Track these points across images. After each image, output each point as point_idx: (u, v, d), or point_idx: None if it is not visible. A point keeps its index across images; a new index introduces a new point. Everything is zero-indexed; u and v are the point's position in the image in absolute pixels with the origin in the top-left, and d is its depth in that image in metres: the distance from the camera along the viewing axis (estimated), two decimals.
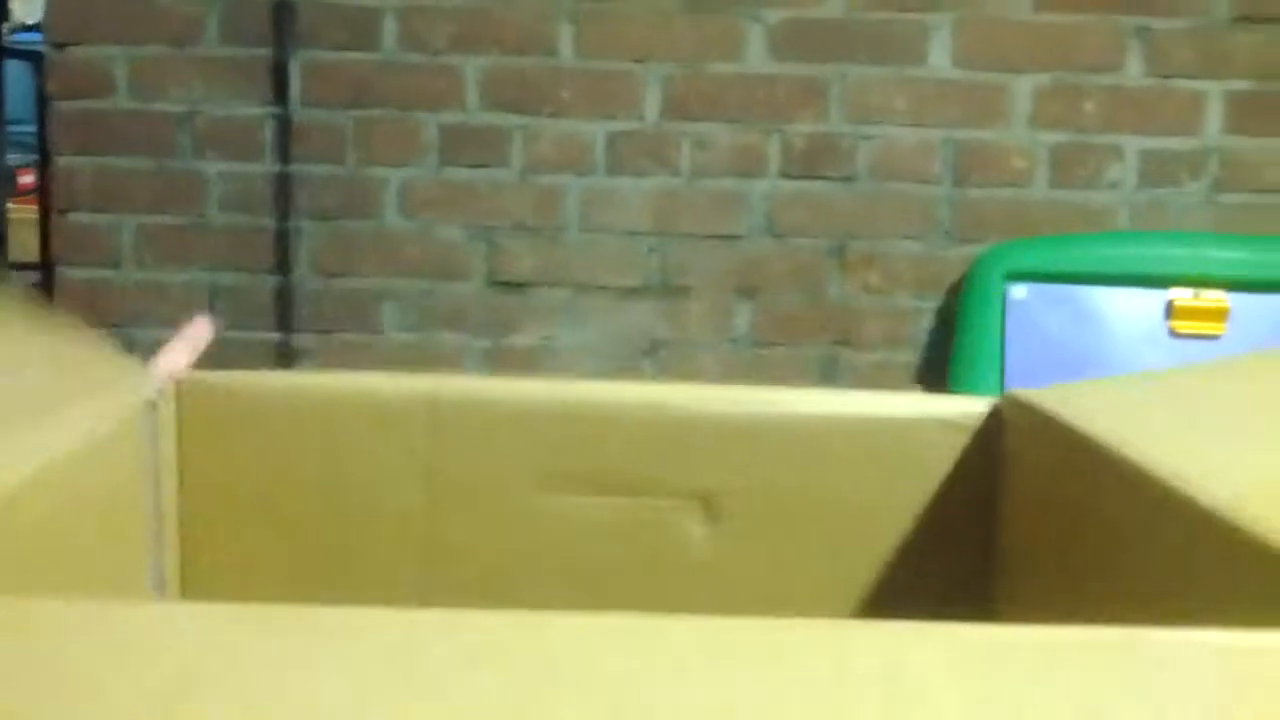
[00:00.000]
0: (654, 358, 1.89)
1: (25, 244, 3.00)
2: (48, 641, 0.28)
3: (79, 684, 0.27)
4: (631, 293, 1.90)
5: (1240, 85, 1.83)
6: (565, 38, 1.86)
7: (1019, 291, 1.68)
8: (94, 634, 0.29)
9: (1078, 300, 1.67)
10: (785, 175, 1.86)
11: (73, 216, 1.92)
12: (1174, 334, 1.65)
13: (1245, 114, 1.84)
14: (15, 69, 2.60)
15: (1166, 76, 1.83)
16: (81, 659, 0.27)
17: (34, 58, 2.48)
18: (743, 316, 1.89)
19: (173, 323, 1.94)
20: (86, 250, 1.92)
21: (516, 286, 1.90)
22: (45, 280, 2.52)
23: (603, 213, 1.88)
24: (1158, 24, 1.82)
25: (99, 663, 0.27)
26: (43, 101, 2.35)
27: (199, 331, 0.63)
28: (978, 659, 0.28)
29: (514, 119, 1.87)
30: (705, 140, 1.86)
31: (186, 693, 0.26)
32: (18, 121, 3.05)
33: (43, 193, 2.53)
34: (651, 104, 1.86)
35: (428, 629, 0.29)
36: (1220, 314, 1.64)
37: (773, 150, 1.86)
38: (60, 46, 1.90)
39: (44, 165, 2.49)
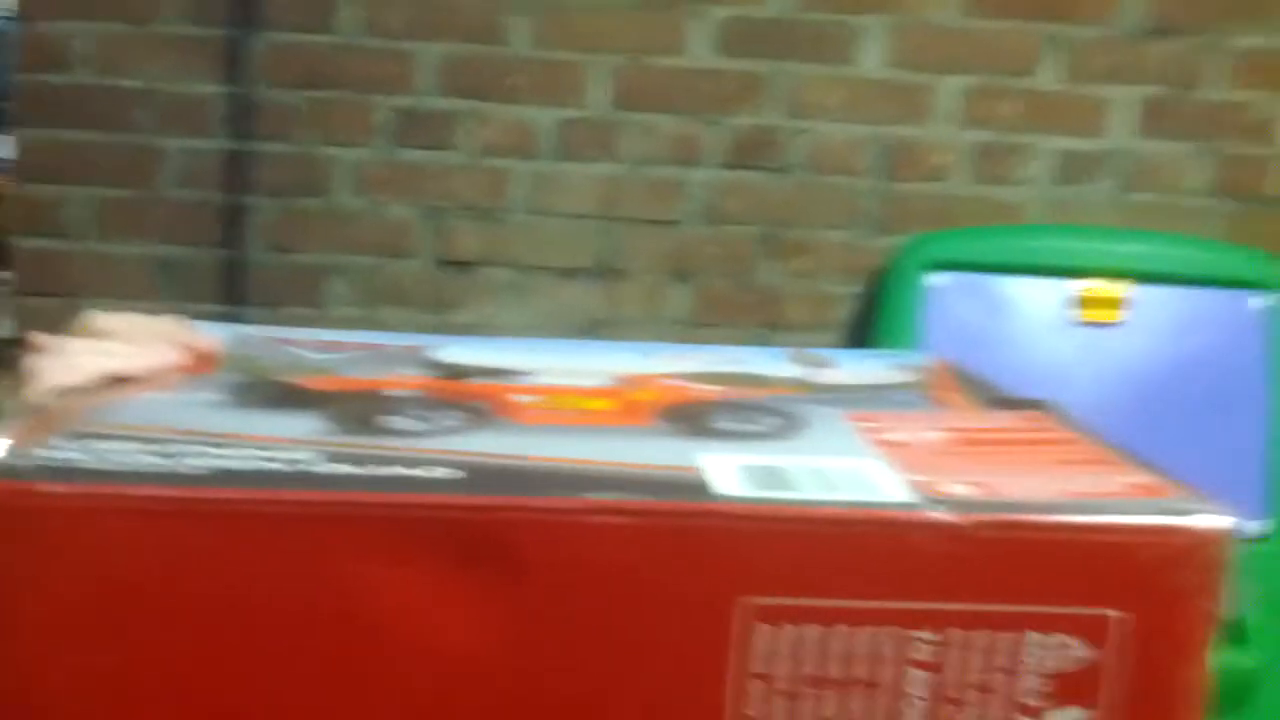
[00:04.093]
0: (593, 336, 1.96)
1: None
2: None
3: None
4: (573, 273, 1.97)
5: (1149, 91, 1.94)
6: (518, 28, 1.92)
7: (938, 280, 1.77)
8: None
9: (992, 289, 1.77)
10: (723, 165, 1.95)
11: (28, 188, 1.95)
12: (1078, 322, 1.76)
13: (1153, 119, 1.95)
14: None
15: (1079, 81, 1.94)
16: None
17: None
18: (678, 298, 1.98)
19: (124, 294, 1.97)
20: (41, 222, 1.95)
21: (462, 265, 1.97)
22: None
23: (548, 196, 1.95)
24: (1073, 32, 1.93)
25: None
26: (4, 75, 2.35)
27: None
28: None
29: (465, 104, 1.93)
30: (649, 130, 1.94)
31: None
32: None
33: None
34: (599, 94, 1.94)
35: None
36: (1121, 303, 1.75)
37: (712, 141, 1.95)
38: (18, 21, 1.92)
39: None
